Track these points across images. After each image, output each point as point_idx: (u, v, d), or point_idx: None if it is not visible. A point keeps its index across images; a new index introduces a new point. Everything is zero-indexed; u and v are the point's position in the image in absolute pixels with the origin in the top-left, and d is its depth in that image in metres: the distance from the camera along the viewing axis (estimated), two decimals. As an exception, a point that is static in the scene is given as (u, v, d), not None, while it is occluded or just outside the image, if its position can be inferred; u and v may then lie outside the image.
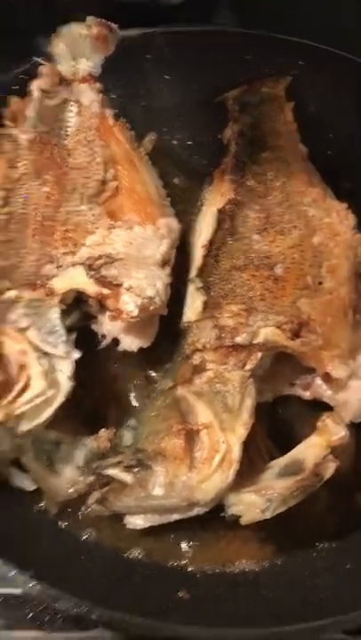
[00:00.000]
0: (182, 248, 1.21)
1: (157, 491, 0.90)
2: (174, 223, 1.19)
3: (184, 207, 1.29)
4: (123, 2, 1.36)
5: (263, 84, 1.34)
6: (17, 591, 0.96)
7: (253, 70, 1.36)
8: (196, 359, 1.00)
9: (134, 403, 1.10)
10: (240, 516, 0.91)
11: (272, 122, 1.29)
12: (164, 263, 1.13)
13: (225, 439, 0.91)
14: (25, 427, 0.93)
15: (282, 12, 1.38)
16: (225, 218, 1.16)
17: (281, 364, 1.06)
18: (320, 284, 1.08)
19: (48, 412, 0.94)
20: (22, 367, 0.96)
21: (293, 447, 1.00)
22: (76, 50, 1.25)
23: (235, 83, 1.36)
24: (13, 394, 0.93)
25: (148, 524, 0.96)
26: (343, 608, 0.84)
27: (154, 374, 1.12)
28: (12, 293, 1.03)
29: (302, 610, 0.86)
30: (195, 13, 1.38)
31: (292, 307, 1.04)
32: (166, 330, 1.11)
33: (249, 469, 0.96)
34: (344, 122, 1.34)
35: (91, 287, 1.05)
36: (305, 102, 1.34)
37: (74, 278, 1.06)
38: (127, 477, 0.92)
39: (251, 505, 0.90)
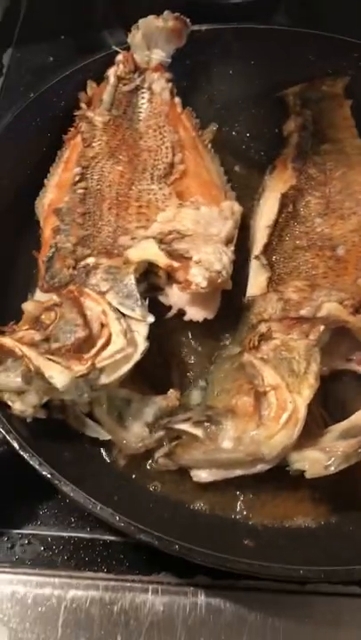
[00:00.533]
0: (241, 231, 1.28)
1: (226, 444, 0.96)
2: (237, 206, 1.26)
3: (243, 193, 1.36)
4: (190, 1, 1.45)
5: (323, 82, 1.42)
6: (87, 535, 1.03)
7: (313, 69, 1.43)
8: (263, 328, 1.06)
9: (198, 369, 1.16)
10: (304, 472, 0.97)
11: (331, 117, 1.37)
12: (228, 241, 1.20)
13: (292, 399, 0.97)
14: (104, 380, 1.00)
15: (342, 14, 1.46)
16: (287, 202, 1.23)
17: (338, 340, 1.12)
18: (379, 265, 1.15)
19: (126, 368, 1.01)
20: (103, 326, 1.02)
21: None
22: (152, 41, 1.33)
23: (295, 80, 1.44)
24: (97, 348, 0.99)
25: (212, 478, 1.02)
26: None
27: (216, 343, 1.18)
28: (91, 260, 1.10)
29: (358, 556, 0.91)
30: (261, 12, 1.46)
31: (353, 285, 1.11)
32: (227, 304, 1.18)
33: (306, 434, 1.02)
34: None
35: (162, 259, 1.12)
36: (361, 101, 1.42)
37: (147, 250, 1.13)
38: (197, 431, 0.97)
39: (315, 461, 0.96)
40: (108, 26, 1.64)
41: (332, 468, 0.95)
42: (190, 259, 1.12)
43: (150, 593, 0.99)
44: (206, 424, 0.98)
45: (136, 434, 1.06)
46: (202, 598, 0.99)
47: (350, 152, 1.31)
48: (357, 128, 1.38)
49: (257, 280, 1.16)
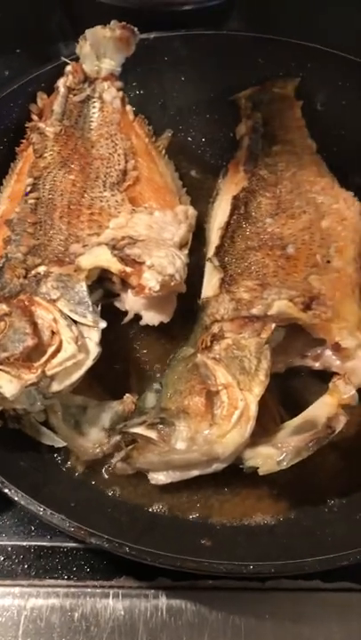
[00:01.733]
0: (196, 234, 1.29)
1: (180, 445, 0.97)
2: (191, 210, 1.28)
3: (198, 197, 1.38)
4: (142, 9, 1.46)
5: (274, 84, 1.43)
6: (47, 543, 1.03)
7: (264, 72, 1.45)
8: (215, 328, 1.07)
9: (155, 372, 1.17)
10: (257, 469, 0.98)
11: (282, 118, 1.38)
12: (181, 245, 1.22)
13: (243, 397, 0.98)
14: (55, 387, 1.00)
15: (291, 16, 1.48)
16: (239, 204, 1.25)
17: (293, 337, 1.13)
18: (328, 262, 1.16)
19: (78, 375, 1.01)
20: (54, 333, 1.03)
21: (304, 414, 1.08)
22: (100, 50, 1.34)
23: (246, 83, 1.45)
24: (47, 356, 1.00)
25: (169, 480, 1.03)
26: (354, 546, 0.90)
27: (172, 347, 1.19)
28: (42, 268, 1.11)
29: (314, 550, 0.92)
30: (209, 19, 1.47)
31: (304, 282, 1.12)
32: (182, 308, 1.19)
33: (262, 431, 1.03)
34: (350, 120, 1.42)
35: (115, 265, 1.13)
36: (312, 102, 1.43)
37: (99, 256, 1.13)
38: (151, 434, 0.98)
39: (267, 457, 0.97)
40: (64, 38, 1.66)
41: (285, 464, 0.96)
42: (143, 263, 1.13)
43: (111, 598, 0.99)
44: (160, 426, 0.98)
45: (93, 440, 1.07)
46: (163, 600, 0.99)
47: (301, 152, 1.32)
48: (308, 128, 1.39)
49: (210, 282, 1.18)
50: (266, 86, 1.44)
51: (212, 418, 0.98)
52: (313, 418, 1.01)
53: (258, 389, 1.00)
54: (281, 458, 0.96)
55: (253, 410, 0.98)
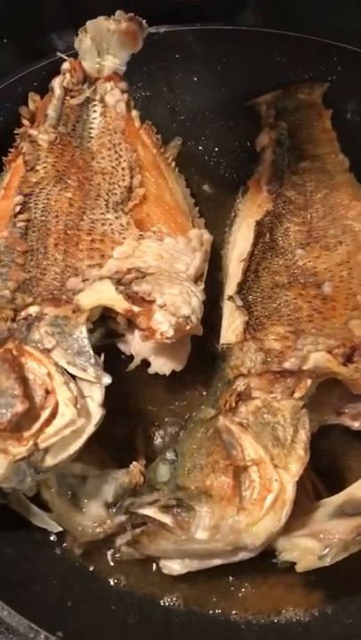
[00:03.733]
0: (211, 261, 1.12)
1: (201, 534, 0.80)
2: (206, 234, 1.12)
3: (212, 216, 1.21)
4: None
5: (299, 89, 1.27)
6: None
7: (287, 74, 1.29)
8: (241, 385, 0.91)
9: (165, 433, 1.00)
10: (294, 563, 0.81)
11: (309, 129, 1.22)
12: (197, 278, 1.05)
13: (278, 477, 0.82)
14: (50, 461, 0.83)
15: (318, 13, 1.31)
16: (264, 230, 1.08)
17: (327, 391, 0.97)
18: (371, 304, 1.00)
19: (77, 445, 0.84)
20: (49, 393, 0.85)
21: (341, 482, 0.92)
22: (103, 45, 1.17)
23: (267, 87, 1.29)
24: (39, 423, 0.82)
25: (185, 570, 0.86)
26: None
27: (186, 401, 1.02)
28: (34, 309, 0.93)
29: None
30: (227, 12, 1.30)
31: (344, 329, 0.96)
32: (197, 351, 1.03)
33: (295, 508, 0.86)
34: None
35: (120, 303, 0.95)
36: (343, 110, 1.27)
37: (102, 293, 0.96)
38: (166, 518, 0.81)
39: (307, 551, 0.81)
40: (59, 28, 1.46)
41: (328, 560, 0.80)
42: (153, 302, 0.96)
43: None
44: (176, 510, 0.82)
45: (93, 517, 0.90)
46: None
47: (333, 170, 1.16)
48: (340, 141, 1.23)
49: (232, 324, 1.01)
50: (290, 91, 1.28)
51: (240, 501, 0.81)
52: (358, 499, 0.84)
53: (295, 467, 0.83)
54: (324, 553, 0.80)
55: (291, 493, 0.82)
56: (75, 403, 0.84)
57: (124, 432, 1.00)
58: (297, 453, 0.84)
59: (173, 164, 1.22)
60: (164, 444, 0.98)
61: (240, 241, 1.11)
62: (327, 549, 0.80)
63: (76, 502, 0.90)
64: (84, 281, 0.97)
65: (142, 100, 1.29)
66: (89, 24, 1.14)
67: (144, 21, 1.17)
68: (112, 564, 0.90)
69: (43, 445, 0.81)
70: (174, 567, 0.86)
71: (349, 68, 1.26)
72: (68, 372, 0.87)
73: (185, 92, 1.31)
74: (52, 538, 0.90)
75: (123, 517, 0.87)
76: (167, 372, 1.01)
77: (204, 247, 1.10)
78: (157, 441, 1.00)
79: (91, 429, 0.85)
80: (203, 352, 1.03)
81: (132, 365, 1.01)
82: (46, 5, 1.50)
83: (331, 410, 0.99)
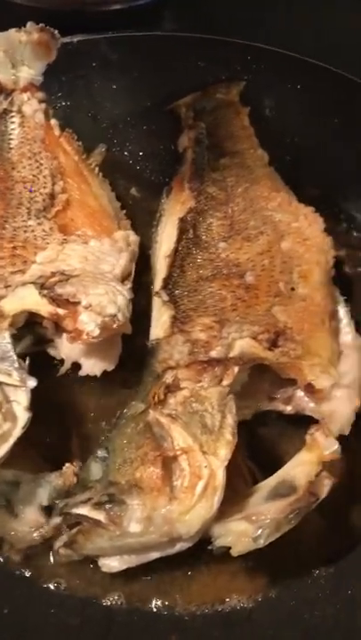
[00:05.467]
0: (140, 262, 1.13)
1: (134, 527, 0.80)
2: (133, 235, 1.12)
3: (139, 219, 1.22)
4: (63, 10, 1.30)
5: (216, 89, 1.29)
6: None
7: (205, 76, 1.31)
8: (169, 377, 0.91)
9: (100, 432, 0.99)
10: (230, 548, 0.81)
11: (228, 127, 1.24)
12: (123, 278, 1.05)
13: (207, 463, 0.82)
14: (-22, 467, 0.82)
15: (231, 14, 1.34)
16: (187, 227, 1.09)
17: (258, 378, 0.99)
18: (293, 290, 1.01)
19: (4, 449, 0.83)
20: (-28, 399, 0.84)
21: (278, 467, 0.92)
22: (16, 57, 1.18)
23: (186, 89, 1.31)
24: (-36, 429, 0.81)
25: (124, 566, 0.85)
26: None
27: (120, 399, 1.02)
28: None
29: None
30: (140, 18, 1.32)
31: (267, 315, 0.97)
32: (129, 350, 1.03)
33: (232, 495, 0.87)
34: (301, 125, 1.29)
35: (44, 307, 0.95)
36: (260, 107, 1.30)
37: (25, 299, 0.96)
38: (99, 515, 0.81)
39: (241, 534, 0.81)
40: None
41: (262, 541, 0.80)
42: (79, 303, 0.96)
43: None
44: (108, 505, 0.81)
45: (29, 522, 0.88)
46: None
47: (252, 165, 1.18)
48: (260, 137, 1.25)
49: (160, 320, 1.01)
50: (208, 92, 1.30)
51: (172, 491, 0.81)
52: (291, 479, 0.85)
53: (224, 452, 0.83)
54: (257, 534, 0.80)
55: (221, 478, 0.82)
56: (-1, 407, 0.84)
57: (59, 435, 0.99)
58: (225, 438, 0.85)
59: (97, 169, 1.23)
60: (98, 444, 0.97)
61: (166, 239, 1.12)
62: (260, 530, 0.80)
63: (11, 509, 0.89)
64: (6, 287, 0.97)
65: (63, 109, 1.29)
66: (0, 36, 1.15)
67: (56, 31, 1.18)
68: (52, 567, 0.88)
69: (-33, 451, 0.80)
70: (113, 564, 0.85)
71: (264, 66, 1.29)
72: (-9, 378, 0.87)
73: (105, 100, 1.32)
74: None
75: (58, 519, 0.85)
76: (98, 373, 1.01)
77: (131, 247, 1.10)
78: (92, 442, 0.98)
79: (17, 432, 0.85)
80: (136, 351, 1.03)
81: (63, 369, 1.01)
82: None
83: (264, 396, 1.00)
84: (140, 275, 1.11)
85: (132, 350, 1.03)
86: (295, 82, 1.28)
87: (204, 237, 1.08)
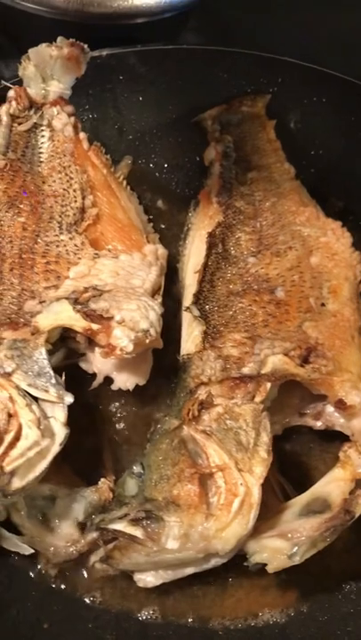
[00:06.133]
0: (168, 275, 1.14)
1: (172, 544, 0.81)
2: (161, 249, 1.13)
3: (167, 232, 1.23)
4: (91, 23, 1.31)
5: (242, 102, 1.30)
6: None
7: (230, 89, 1.31)
8: (202, 394, 0.92)
9: (133, 447, 1.01)
10: (265, 565, 0.82)
11: (254, 141, 1.25)
12: (154, 292, 1.06)
13: (243, 481, 0.83)
14: (17, 484, 0.83)
15: (257, 28, 1.34)
16: (216, 241, 1.10)
17: (288, 393, 1.00)
18: (323, 305, 1.02)
19: (43, 465, 0.84)
20: (11, 416, 0.85)
21: (308, 481, 0.94)
22: (47, 72, 1.18)
23: (211, 102, 1.31)
24: (3, 447, 0.82)
25: (160, 581, 0.87)
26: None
27: (152, 413, 1.03)
28: (-8, 334, 0.93)
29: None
30: (167, 32, 1.33)
31: (298, 331, 0.98)
32: (159, 364, 1.04)
33: (264, 510, 0.88)
34: (326, 138, 1.30)
35: (79, 322, 0.96)
36: (286, 120, 1.30)
37: (60, 314, 0.97)
38: (136, 531, 0.82)
39: (276, 551, 0.82)
40: (3, 57, 1.48)
41: (298, 558, 0.82)
42: (112, 318, 0.96)
43: None
44: (146, 522, 0.82)
45: (65, 536, 0.90)
46: None
47: (279, 179, 1.19)
48: (285, 150, 1.26)
49: (191, 335, 1.02)
50: (233, 105, 1.31)
51: (208, 508, 0.82)
52: (325, 496, 0.86)
53: (260, 469, 0.84)
54: (293, 551, 0.81)
55: (256, 495, 0.83)
56: (38, 424, 0.85)
57: (92, 449, 1.00)
58: (260, 456, 0.86)
59: (125, 182, 1.24)
60: (131, 457, 0.98)
61: (194, 253, 1.13)
62: (296, 548, 0.81)
63: (47, 523, 0.90)
64: (41, 303, 0.98)
65: (90, 122, 1.30)
66: (31, 51, 1.15)
67: (85, 46, 1.18)
68: (87, 582, 0.90)
69: (8, 469, 0.81)
70: (148, 579, 0.87)
71: (289, 79, 1.29)
72: (29, 394, 0.88)
73: (132, 112, 1.33)
74: (25, 563, 0.89)
75: (94, 534, 0.87)
76: (130, 387, 1.02)
77: (160, 261, 1.11)
78: (124, 457, 0.99)
79: (56, 449, 0.86)
80: (165, 364, 1.05)
81: (95, 383, 1.02)
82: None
83: (293, 411, 1.01)
84: (167, 287, 1.12)
85: (162, 364, 1.04)
86: (320, 95, 1.28)
87: (233, 252, 1.09)
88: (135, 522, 0.83)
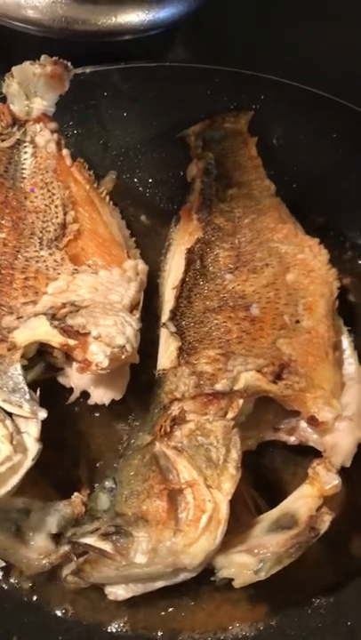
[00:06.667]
0: (150, 290, 1.16)
1: (140, 559, 0.82)
2: (141, 264, 1.15)
3: (149, 246, 1.25)
4: (76, 41, 1.33)
5: (225, 119, 1.31)
6: None
7: (214, 106, 1.33)
8: (175, 409, 0.93)
9: (108, 461, 1.02)
10: (232, 580, 0.84)
11: (236, 157, 1.26)
12: (132, 308, 1.07)
13: (211, 497, 0.84)
14: (-11, 497, 0.85)
15: (240, 46, 1.36)
16: (194, 258, 1.12)
17: (263, 409, 1.01)
18: (298, 322, 1.04)
19: (15, 480, 0.86)
20: (-16, 431, 0.87)
21: (281, 496, 0.94)
22: (30, 89, 1.19)
23: (195, 119, 1.33)
24: (-24, 461, 0.84)
25: (130, 594, 0.88)
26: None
27: (128, 428, 1.05)
28: (-32, 350, 0.95)
29: None
30: (151, 49, 1.35)
31: (272, 348, 0.99)
32: (137, 378, 1.05)
33: (235, 525, 0.89)
34: (308, 155, 1.32)
35: (55, 338, 0.97)
36: (268, 137, 1.32)
37: (36, 329, 0.98)
38: (105, 546, 0.83)
39: (243, 566, 0.83)
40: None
41: (263, 574, 0.83)
42: (89, 334, 0.98)
43: None
44: (115, 536, 0.84)
45: (39, 549, 0.91)
46: None
47: (259, 195, 1.20)
48: (267, 166, 1.27)
49: (167, 351, 1.03)
50: (216, 121, 1.32)
51: (176, 523, 0.84)
52: (293, 512, 0.87)
53: (228, 486, 0.86)
54: (259, 567, 0.83)
55: (224, 512, 0.84)
56: (10, 439, 0.86)
57: (67, 463, 1.02)
58: (229, 472, 0.87)
59: (108, 197, 1.25)
60: (106, 472, 1.00)
61: (174, 269, 1.14)
62: (261, 564, 0.82)
63: (21, 536, 0.91)
64: (18, 318, 0.99)
65: (75, 137, 1.32)
66: (15, 69, 1.17)
67: (69, 63, 1.20)
68: (59, 594, 0.91)
69: (-20, 483, 0.83)
70: (119, 592, 0.88)
71: (271, 97, 1.31)
72: (3, 410, 0.89)
73: (116, 128, 1.34)
74: (-1, 573, 0.91)
75: (67, 548, 0.88)
76: (107, 402, 1.03)
77: (140, 277, 1.13)
78: (100, 471, 1.01)
79: (28, 464, 0.87)
80: (143, 379, 1.06)
81: (72, 398, 1.04)
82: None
83: (268, 426, 1.02)
84: (148, 302, 1.14)
85: (139, 379, 1.05)
86: (302, 112, 1.30)
87: (210, 268, 1.11)
88: (105, 536, 0.84)
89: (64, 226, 1.14)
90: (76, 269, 1.08)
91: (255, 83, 1.32)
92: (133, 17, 1.31)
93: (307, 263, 1.10)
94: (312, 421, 0.97)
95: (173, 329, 1.04)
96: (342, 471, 0.92)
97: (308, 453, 1.00)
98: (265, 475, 1.03)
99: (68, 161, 1.21)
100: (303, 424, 1.00)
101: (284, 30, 1.43)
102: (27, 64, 1.18)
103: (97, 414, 1.06)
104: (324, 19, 1.46)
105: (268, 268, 1.09)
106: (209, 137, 1.30)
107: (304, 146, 1.32)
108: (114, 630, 0.90)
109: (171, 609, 0.92)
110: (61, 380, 1.06)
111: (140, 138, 1.35)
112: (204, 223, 1.16)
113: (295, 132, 1.32)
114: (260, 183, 1.23)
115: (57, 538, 0.91)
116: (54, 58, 1.19)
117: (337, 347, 1.06)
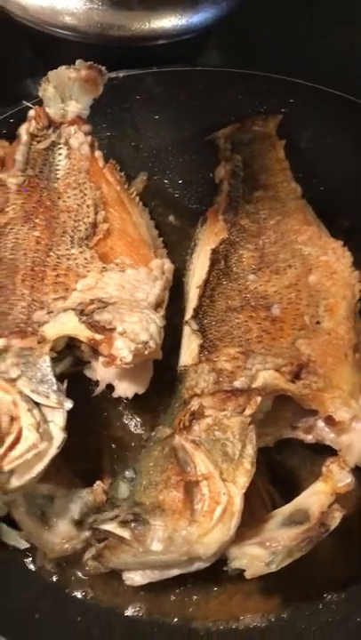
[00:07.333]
0: (177, 289, 1.19)
1: (156, 546, 0.86)
2: (167, 264, 1.18)
3: (177, 247, 1.28)
4: (111, 45, 1.37)
5: (254, 122, 1.34)
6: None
7: (244, 109, 1.35)
8: (195, 405, 0.96)
9: (130, 452, 1.06)
10: (244, 570, 0.87)
11: (264, 160, 1.29)
12: (157, 305, 1.11)
13: (226, 490, 0.87)
14: (15, 483, 0.89)
15: (273, 49, 1.38)
16: (219, 258, 1.15)
17: (281, 407, 1.03)
18: (318, 323, 1.05)
19: (40, 467, 0.90)
20: (13, 419, 0.92)
21: (297, 493, 0.97)
22: (65, 93, 1.24)
23: (225, 122, 1.36)
24: (4, 448, 0.89)
25: (146, 581, 0.92)
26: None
27: (150, 421, 1.08)
28: (1, 342, 0.99)
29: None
30: (182, 54, 1.38)
31: (291, 348, 1.02)
32: (161, 374, 1.09)
33: (251, 518, 0.92)
34: (336, 159, 1.33)
35: (83, 333, 1.02)
36: (296, 140, 1.34)
37: (65, 324, 1.02)
38: (124, 533, 0.87)
39: (255, 558, 0.86)
40: (33, 75, 1.55)
41: (274, 566, 0.85)
42: (114, 330, 1.02)
43: None
44: (133, 524, 0.87)
45: (62, 534, 0.95)
46: None
47: (285, 197, 1.22)
48: (292, 169, 1.29)
49: (189, 348, 1.07)
50: (245, 124, 1.35)
51: (192, 514, 0.87)
52: (306, 508, 0.90)
53: (243, 480, 0.89)
54: (270, 559, 0.85)
55: (238, 504, 0.87)
56: (37, 428, 0.91)
57: (90, 454, 1.06)
58: (244, 467, 0.90)
59: (137, 198, 1.29)
60: (128, 462, 1.03)
61: (198, 268, 1.18)
62: (273, 556, 0.85)
63: (45, 521, 0.96)
64: (48, 313, 1.04)
65: (108, 139, 1.35)
66: (51, 74, 1.22)
67: (103, 68, 1.24)
68: (80, 578, 0.95)
69: (7, 468, 0.88)
70: (136, 578, 0.92)
71: (300, 101, 1.33)
72: (32, 400, 0.94)
73: (148, 130, 1.37)
74: (24, 557, 0.96)
75: (88, 534, 0.93)
76: (130, 395, 1.07)
77: (166, 276, 1.16)
78: (122, 461, 1.05)
79: (53, 452, 0.91)
80: (167, 375, 1.09)
81: (98, 390, 1.08)
82: (21, 54, 1.60)
83: (286, 424, 1.05)
84: (175, 300, 1.17)
85: (162, 374, 1.09)
86: (331, 116, 1.32)
87: (234, 269, 1.14)
88: (124, 524, 0.88)
89: (95, 225, 1.18)
90: (104, 267, 1.12)
91: (285, 86, 1.34)
92: (167, 22, 1.35)
93: (330, 265, 1.12)
94: (329, 421, 0.99)
95: (195, 327, 1.07)
96: (356, 470, 0.94)
97: (325, 452, 1.02)
98: (282, 471, 1.05)
99: (101, 162, 1.26)
100: (320, 423, 1.02)
101: (317, 34, 1.44)
102: (62, 68, 1.23)
103: (120, 407, 1.10)
104: (357, 23, 1.47)
105: (291, 269, 1.11)
106: (238, 140, 1.32)
107: (332, 149, 1.33)
108: (130, 614, 0.93)
109: (185, 597, 0.95)
110: (88, 373, 1.10)
111: (170, 140, 1.38)
112: (229, 224, 1.19)
113: (324, 136, 1.34)
114: (287, 186, 1.25)
115: (79, 524, 0.95)
116: (89, 62, 1.24)
117: (357, 349, 1.07)
